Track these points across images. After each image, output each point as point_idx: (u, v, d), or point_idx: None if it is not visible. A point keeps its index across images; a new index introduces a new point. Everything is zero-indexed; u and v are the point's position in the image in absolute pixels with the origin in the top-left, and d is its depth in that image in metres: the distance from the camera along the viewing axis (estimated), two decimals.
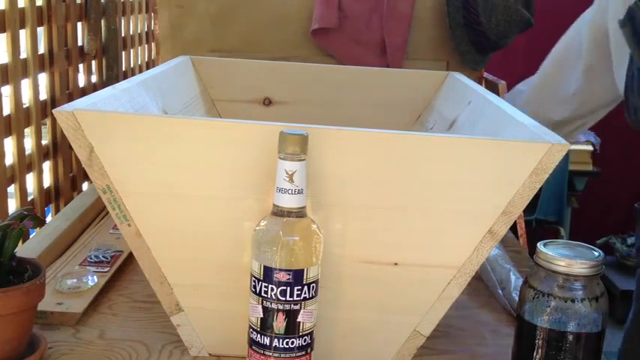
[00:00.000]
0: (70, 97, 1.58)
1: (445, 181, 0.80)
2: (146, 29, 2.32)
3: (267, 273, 0.76)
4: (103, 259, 1.14)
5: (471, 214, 0.82)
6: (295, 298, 0.77)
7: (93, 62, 1.77)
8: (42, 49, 1.47)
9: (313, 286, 0.78)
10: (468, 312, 1.06)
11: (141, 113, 0.95)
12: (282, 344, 0.78)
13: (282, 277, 0.76)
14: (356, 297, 0.86)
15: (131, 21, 2.13)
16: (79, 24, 1.67)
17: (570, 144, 0.80)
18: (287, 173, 0.75)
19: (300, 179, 0.75)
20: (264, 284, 0.77)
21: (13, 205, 1.36)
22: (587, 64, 1.33)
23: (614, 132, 2.65)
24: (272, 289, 0.77)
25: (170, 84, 1.17)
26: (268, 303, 0.77)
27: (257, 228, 0.78)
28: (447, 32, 1.65)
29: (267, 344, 0.78)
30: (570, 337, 0.79)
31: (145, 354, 0.90)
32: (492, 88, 1.76)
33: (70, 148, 1.00)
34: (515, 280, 1.09)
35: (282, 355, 0.78)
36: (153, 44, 2.41)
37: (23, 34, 1.38)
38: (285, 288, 0.76)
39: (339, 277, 0.84)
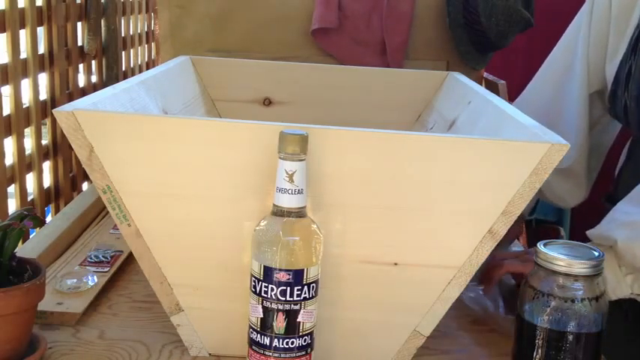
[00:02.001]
0: (70, 97, 1.58)
1: (445, 181, 0.80)
2: (146, 29, 2.32)
3: (267, 273, 0.76)
4: (103, 259, 1.14)
5: (471, 214, 0.81)
6: (295, 298, 0.77)
7: (93, 62, 1.77)
8: (42, 49, 1.47)
9: (313, 286, 0.78)
10: (467, 312, 1.06)
11: (141, 113, 0.95)
12: (282, 344, 0.78)
13: (282, 277, 0.76)
14: (356, 297, 0.86)
15: (131, 21, 2.13)
16: (79, 24, 1.67)
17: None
18: (287, 173, 0.75)
19: (300, 179, 0.75)
20: (264, 284, 0.77)
21: (13, 205, 1.36)
22: None
23: None
24: (272, 289, 0.76)
25: (170, 84, 1.17)
26: (268, 303, 0.77)
27: (257, 228, 0.78)
28: (447, 32, 1.65)
29: (267, 344, 0.78)
30: (570, 337, 0.79)
31: (145, 354, 0.90)
32: (492, 88, 1.76)
33: (70, 148, 1.00)
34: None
35: (282, 355, 0.78)
36: (153, 44, 2.41)
37: (23, 34, 1.38)
38: (285, 288, 0.76)
39: (339, 277, 0.84)
